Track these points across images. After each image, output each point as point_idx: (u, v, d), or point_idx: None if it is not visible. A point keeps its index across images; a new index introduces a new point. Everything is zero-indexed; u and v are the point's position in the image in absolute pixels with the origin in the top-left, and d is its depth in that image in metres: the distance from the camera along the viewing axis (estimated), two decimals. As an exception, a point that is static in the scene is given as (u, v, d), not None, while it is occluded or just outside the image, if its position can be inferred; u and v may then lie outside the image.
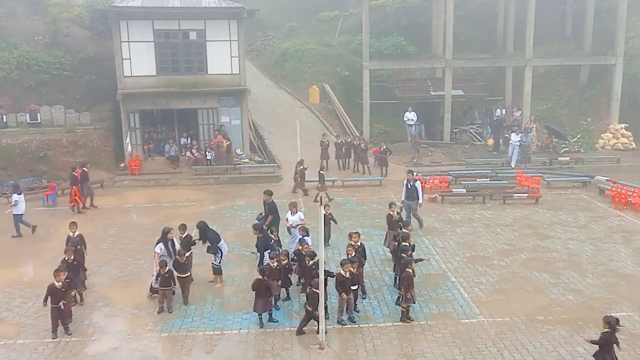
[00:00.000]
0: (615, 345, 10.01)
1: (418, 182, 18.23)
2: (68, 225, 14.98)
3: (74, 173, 21.27)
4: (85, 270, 14.37)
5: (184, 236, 14.30)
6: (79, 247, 14.18)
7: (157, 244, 13.91)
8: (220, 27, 26.57)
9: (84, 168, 21.78)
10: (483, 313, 13.06)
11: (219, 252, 14.58)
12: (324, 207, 17.64)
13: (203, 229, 14.61)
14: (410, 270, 12.57)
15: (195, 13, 26.30)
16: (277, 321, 12.73)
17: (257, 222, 15.68)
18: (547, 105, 32.39)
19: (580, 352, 11.43)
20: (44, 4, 31.44)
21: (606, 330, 9.99)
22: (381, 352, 11.51)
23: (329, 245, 16.50)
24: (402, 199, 18.43)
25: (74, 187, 21.14)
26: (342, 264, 12.58)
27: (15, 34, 29.05)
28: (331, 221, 17.01)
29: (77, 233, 14.80)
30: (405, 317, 12.63)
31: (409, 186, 18.27)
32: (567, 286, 14.43)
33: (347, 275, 12.35)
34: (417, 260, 13.29)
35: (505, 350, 11.52)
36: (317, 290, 11.65)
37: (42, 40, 29.02)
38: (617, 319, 10.07)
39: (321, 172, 22.74)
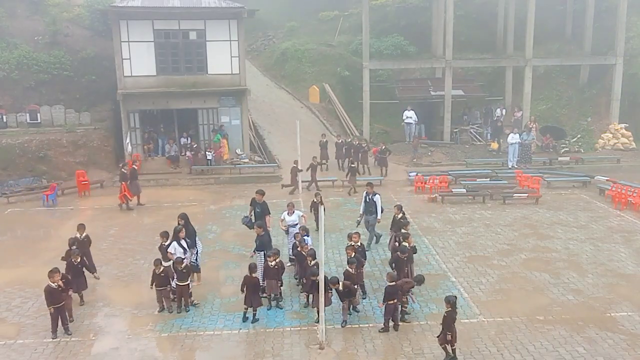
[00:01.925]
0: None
1: (378, 195, 16.99)
2: (76, 227, 14.93)
3: (123, 170, 21.40)
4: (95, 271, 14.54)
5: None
6: (74, 247, 14.13)
7: (169, 244, 13.73)
8: (220, 27, 26.57)
9: (134, 165, 22.10)
10: (483, 313, 13.06)
11: (196, 248, 14.52)
12: (315, 196, 17.69)
13: (186, 220, 14.58)
14: (399, 254, 13.04)
15: (195, 13, 26.29)
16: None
17: (245, 224, 15.40)
18: (547, 105, 32.39)
19: (580, 352, 11.43)
20: (44, 4, 31.47)
21: (449, 309, 10.90)
22: (381, 352, 11.52)
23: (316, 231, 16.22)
24: (361, 212, 17.19)
25: (123, 183, 21.29)
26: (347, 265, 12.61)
27: (15, 34, 29.07)
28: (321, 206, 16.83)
29: (84, 235, 14.83)
30: (404, 315, 12.65)
31: (368, 200, 16.94)
32: (567, 286, 14.43)
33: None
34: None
35: (505, 350, 11.52)
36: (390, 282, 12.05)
37: (42, 40, 29.03)
38: (455, 296, 11.22)
39: (352, 165, 22.92)
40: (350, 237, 14.06)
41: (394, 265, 13.34)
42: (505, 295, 13.99)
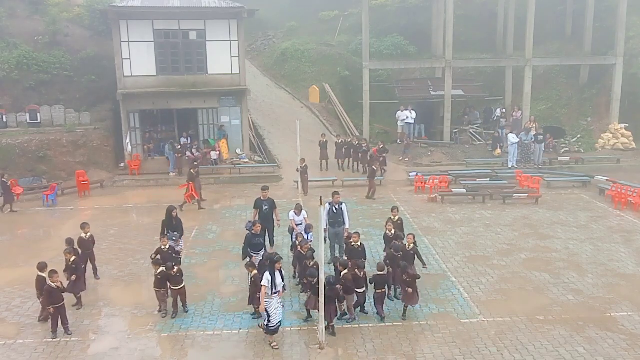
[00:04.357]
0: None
1: (344, 205, 15.45)
2: (81, 227, 14.90)
3: (192, 171, 21.56)
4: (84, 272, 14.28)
5: (166, 248, 13.88)
6: (75, 247, 14.11)
7: (262, 273, 11.80)
8: (220, 27, 26.57)
9: (196, 163, 22.79)
10: (483, 313, 13.06)
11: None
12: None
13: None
14: (393, 252, 13.30)
15: (195, 13, 26.30)
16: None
17: (247, 230, 15.11)
18: (547, 105, 32.38)
19: (581, 352, 11.42)
20: (44, 4, 31.46)
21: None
22: (381, 352, 11.51)
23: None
24: (325, 226, 14.66)
25: (191, 183, 21.41)
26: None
27: (15, 34, 29.05)
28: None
29: (89, 234, 14.82)
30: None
31: (334, 210, 15.17)
32: (567, 286, 14.43)
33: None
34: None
35: (505, 350, 11.52)
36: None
37: (42, 40, 29.01)
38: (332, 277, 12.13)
39: (373, 167, 23.05)
40: (350, 237, 14.04)
41: (388, 262, 13.37)
42: (505, 295, 13.99)
